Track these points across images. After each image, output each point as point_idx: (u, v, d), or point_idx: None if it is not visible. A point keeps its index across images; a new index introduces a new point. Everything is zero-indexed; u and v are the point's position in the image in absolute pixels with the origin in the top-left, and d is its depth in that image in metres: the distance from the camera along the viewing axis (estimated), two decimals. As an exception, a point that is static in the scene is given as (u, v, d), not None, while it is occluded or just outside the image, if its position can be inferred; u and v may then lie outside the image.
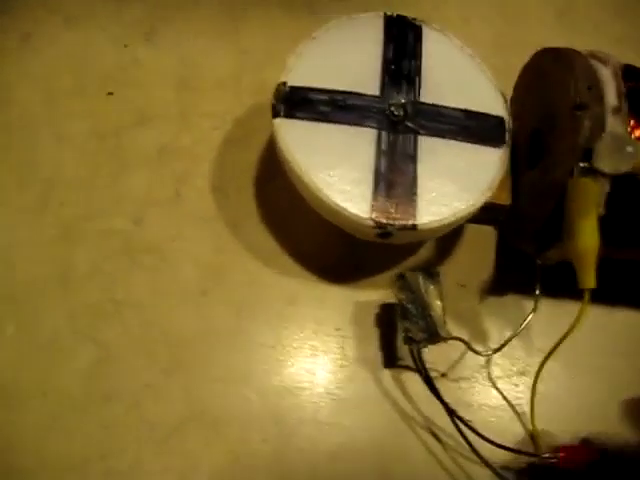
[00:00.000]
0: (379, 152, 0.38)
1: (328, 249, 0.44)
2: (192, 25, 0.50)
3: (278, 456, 0.38)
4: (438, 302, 0.38)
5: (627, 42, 0.54)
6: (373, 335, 0.41)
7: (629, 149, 0.34)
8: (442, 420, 0.38)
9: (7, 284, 0.41)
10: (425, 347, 0.38)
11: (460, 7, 0.54)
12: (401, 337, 0.39)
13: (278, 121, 0.39)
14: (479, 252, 0.45)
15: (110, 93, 0.47)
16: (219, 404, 0.39)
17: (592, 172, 0.35)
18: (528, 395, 0.40)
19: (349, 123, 0.39)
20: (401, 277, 0.39)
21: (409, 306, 0.38)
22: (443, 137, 0.40)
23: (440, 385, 0.38)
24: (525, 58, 0.44)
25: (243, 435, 0.38)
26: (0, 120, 0.46)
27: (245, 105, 0.47)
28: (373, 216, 0.37)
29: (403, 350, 0.40)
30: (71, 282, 0.41)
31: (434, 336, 0.38)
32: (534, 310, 0.41)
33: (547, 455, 0.38)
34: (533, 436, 0.40)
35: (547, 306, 0.42)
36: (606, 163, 0.34)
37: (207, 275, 0.42)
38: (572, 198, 0.35)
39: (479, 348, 0.40)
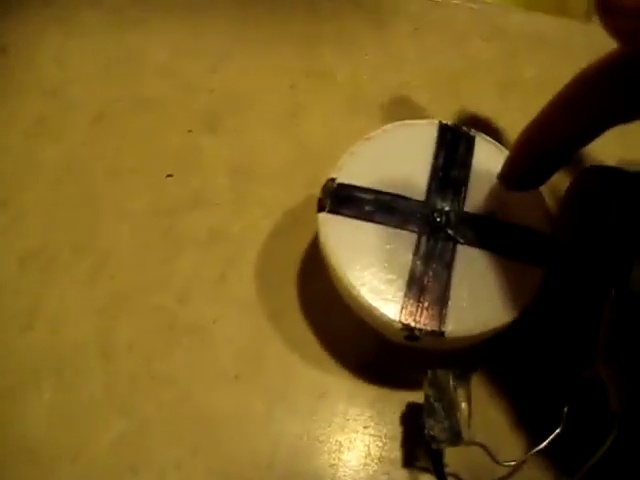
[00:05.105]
0: (417, 256, 0.39)
1: (363, 347, 0.44)
2: (254, 117, 0.52)
3: None
4: (465, 405, 0.38)
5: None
6: (399, 435, 0.41)
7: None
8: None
9: (51, 349, 0.42)
10: (446, 448, 0.37)
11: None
12: (423, 435, 0.38)
13: (322, 215, 0.40)
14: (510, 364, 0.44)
15: (170, 175, 0.49)
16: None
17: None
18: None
19: (391, 225, 0.40)
20: (433, 374, 0.38)
21: (436, 404, 0.37)
22: (482, 248, 0.40)
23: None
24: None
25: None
26: (66, 192, 0.48)
27: (297, 198, 0.49)
28: (402, 318, 0.37)
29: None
30: (111, 353, 0.42)
31: (456, 438, 0.37)
32: (561, 426, 0.41)
33: None
34: None
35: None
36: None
37: (243, 360, 0.43)
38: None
39: (502, 458, 0.40)
